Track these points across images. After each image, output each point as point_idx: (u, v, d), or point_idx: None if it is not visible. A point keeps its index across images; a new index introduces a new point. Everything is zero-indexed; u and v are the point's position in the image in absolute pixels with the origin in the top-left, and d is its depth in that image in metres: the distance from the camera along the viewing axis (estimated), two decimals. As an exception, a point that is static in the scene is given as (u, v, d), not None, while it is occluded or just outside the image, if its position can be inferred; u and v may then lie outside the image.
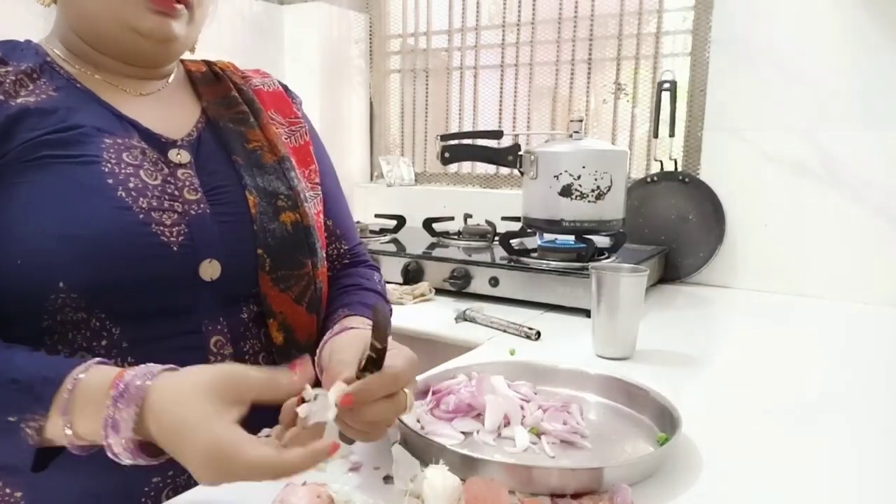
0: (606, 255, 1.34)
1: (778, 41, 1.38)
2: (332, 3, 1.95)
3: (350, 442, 0.64)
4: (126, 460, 0.50)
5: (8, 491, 0.62)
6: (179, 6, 0.68)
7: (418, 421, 0.70)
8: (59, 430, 0.51)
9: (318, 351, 0.69)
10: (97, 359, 0.54)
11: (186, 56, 0.78)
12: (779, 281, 1.44)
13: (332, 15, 1.95)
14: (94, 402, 0.50)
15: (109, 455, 0.50)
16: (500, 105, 1.92)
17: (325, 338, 0.70)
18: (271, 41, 1.92)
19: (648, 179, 1.58)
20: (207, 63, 0.83)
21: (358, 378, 0.57)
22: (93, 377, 0.52)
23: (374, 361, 0.56)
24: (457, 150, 1.36)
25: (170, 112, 0.73)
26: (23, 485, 0.62)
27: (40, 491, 0.62)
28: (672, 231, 1.52)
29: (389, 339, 0.57)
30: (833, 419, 0.77)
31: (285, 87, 0.88)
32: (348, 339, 0.66)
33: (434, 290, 1.33)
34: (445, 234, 1.64)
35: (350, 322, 0.72)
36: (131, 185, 0.62)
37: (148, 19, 0.66)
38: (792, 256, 1.42)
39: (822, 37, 1.34)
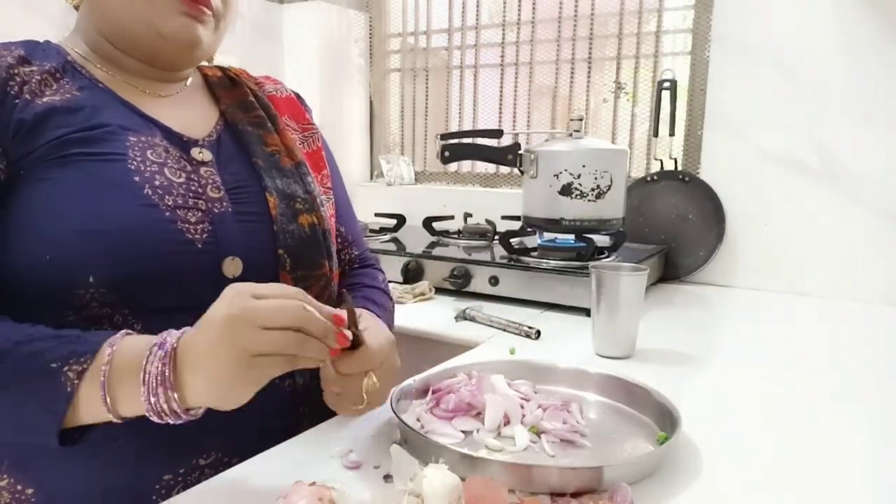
0: (606, 254, 1.34)
1: (778, 40, 1.38)
2: (331, 2, 1.95)
3: None
4: (163, 403, 0.52)
5: (19, 488, 0.62)
6: (208, 12, 0.69)
7: (418, 420, 0.70)
8: (97, 375, 0.52)
9: None
10: None
11: (203, 64, 0.79)
12: (779, 280, 1.44)
13: (331, 14, 1.95)
14: (140, 347, 0.53)
15: (148, 401, 0.52)
16: (500, 104, 1.92)
17: None
18: (271, 40, 1.92)
19: (648, 178, 1.58)
20: (222, 69, 0.85)
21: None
22: (138, 336, 0.56)
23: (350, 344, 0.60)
24: (457, 149, 1.36)
25: (189, 113, 0.75)
26: (34, 481, 0.62)
27: (51, 487, 0.62)
28: (672, 230, 1.52)
29: (362, 322, 0.63)
30: (833, 418, 0.77)
31: (297, 95, 0.90)
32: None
33: (434, 289, 1.33)
34: (445, 234, 1.64)
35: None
36: (157, 182, 0.63)
37: (173, 20, 0.67)
38: (792, 255, 1.42)
39: (822, 36, 1.34)
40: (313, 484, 0.54)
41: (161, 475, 0.64)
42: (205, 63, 0.81)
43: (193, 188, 0.66)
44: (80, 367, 0.52)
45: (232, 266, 0.67)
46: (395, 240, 1.62)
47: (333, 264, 0.78)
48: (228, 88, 0.82)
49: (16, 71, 0.62)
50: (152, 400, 0.52)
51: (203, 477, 0.63)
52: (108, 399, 0.52)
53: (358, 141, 2.10)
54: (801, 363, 0.98)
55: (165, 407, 0.52)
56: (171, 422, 0.54)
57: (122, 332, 0.56)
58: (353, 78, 2.05)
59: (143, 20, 0.67)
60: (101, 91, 0.68)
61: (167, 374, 0.52)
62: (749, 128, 1.43)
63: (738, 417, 0.77)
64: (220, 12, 0.71)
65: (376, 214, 1.83)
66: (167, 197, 0.63)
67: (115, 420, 0.54)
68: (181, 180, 0.66)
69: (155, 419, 0.53)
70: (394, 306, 0.88)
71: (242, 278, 0.67)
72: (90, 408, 0.53)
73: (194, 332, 0.54)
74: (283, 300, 0.54)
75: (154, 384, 0.52)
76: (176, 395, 0.52)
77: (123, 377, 0.52)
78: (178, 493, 0.63)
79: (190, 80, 0.79)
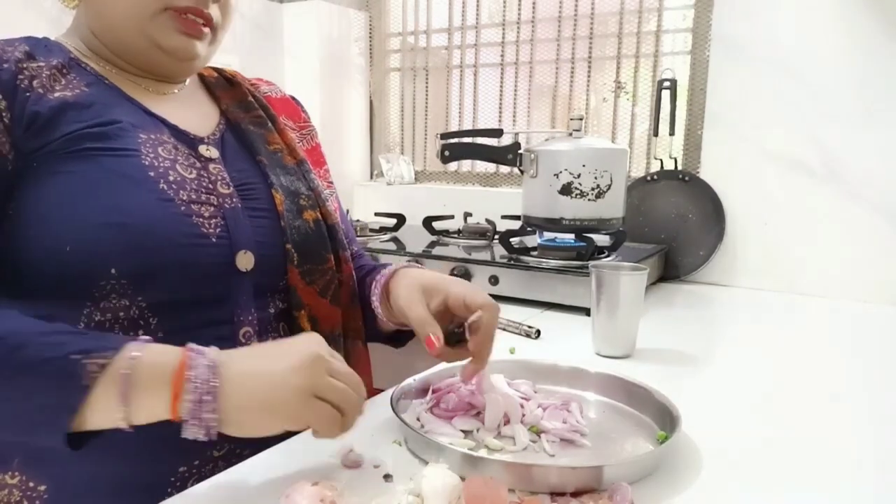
0: (606, 253, 1.34)
1: (778, 39, 1.38)
2: (331, 1, 1.95)
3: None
4: (197, 395, 0.52)
5: (31, 485, 0.62)
6: (206, 29, 0.71)
7: (418, 419, 0.70)
8: (117, 370, 0.51)
9: (372, 287, 0.81)
10: None
11: None
12: (779, 279, 1.44)
13: (331, 13, 1.95)
14: (170, 351, 0.54)
15: (192, 401, 0.51)
16: (500, 103, 1.92)
17: (379, 279, 0.80)
18: (271, 39, 1.92)
19: (648, 178, 1.57)
20: (217, 69, 0.86)
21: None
22: (163, 345, 0.55)
23: (457, 337, 0.71)
24: (457, 148, 1.36)
25: (192, 112, 0.76)
26: (46, 477, 0.62)
27: (64, 483, 0.62)
28: (672, 229, 1.52)
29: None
30: (833, 417, 0.77)
31: (291, 96, 0.92)
32: (408, 285, 0.75)
33: (434, 289, 1.33)
34: (445, 233, 1.63)
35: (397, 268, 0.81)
36: (171, 178, 0.65)
37: (173, 38, 0.69)
38: (792, 255, 1.42)
39: (822, 35, 1.34)
40: (316, 484, 0.54)
41: (176, 468, 0.64)
42: None
43: (204, 184, 0.68)
44: (102, 360, 0.51)
45: (244, 259, 0.68)
46: (394, 239, 1.61)
47: (340, 257, 0.80)
48: (227, 89, 0.83)
49: (24, 65, 0.63)
50: (195, 406, 0.51)
51: (217, 469, 0.64)
52: (126, 398, 0.51)
53: (358, 140, 2.09)
54: (800, 363, 0.98)
55: (202, 416, 0.52)
56: (191, 431, 0.52)
57: (144, 337, 0.56)
58: (353, 77, 2.05)
59: (142, 32, 0.68)
60: (108, 87, 0.69)
61: (212, 382, 0.52)
62: (749, 128, 1.43)
63: (738, 417, 0.77)
64: (218, 24, 0.73)
65: (376, 214, 1.83)
66: (181, 192, 0.64)
67: (124, 426, 0.52)
68: (192, 176, 0.67)
69: (184, 427, 0.52)
70: None
71: (254, 271, 0.69)
72: (102, 408, 0.51)
73: (250, 355, 0.57)
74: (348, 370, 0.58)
75: (203, 390, 0.52)
76: (215, 406, 0.52)
77: (149, 379, 0.52)
78: (192, 485, 0.63)
79: (188, 79, 0.80)
